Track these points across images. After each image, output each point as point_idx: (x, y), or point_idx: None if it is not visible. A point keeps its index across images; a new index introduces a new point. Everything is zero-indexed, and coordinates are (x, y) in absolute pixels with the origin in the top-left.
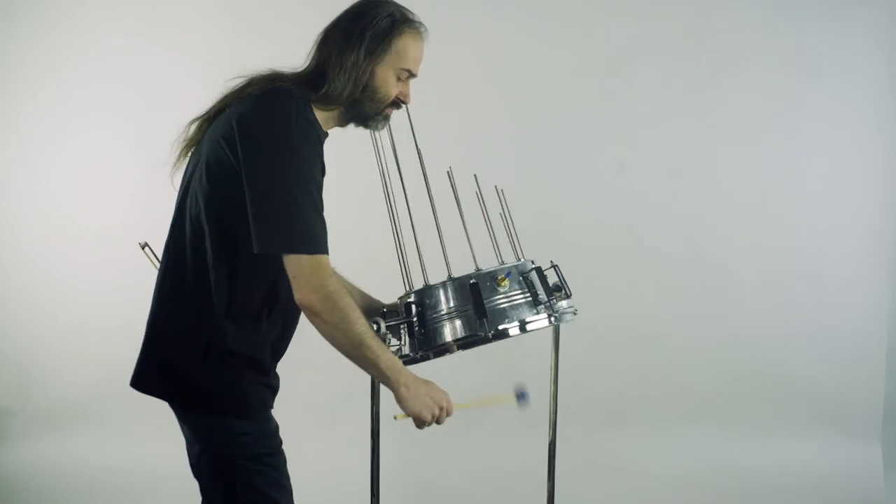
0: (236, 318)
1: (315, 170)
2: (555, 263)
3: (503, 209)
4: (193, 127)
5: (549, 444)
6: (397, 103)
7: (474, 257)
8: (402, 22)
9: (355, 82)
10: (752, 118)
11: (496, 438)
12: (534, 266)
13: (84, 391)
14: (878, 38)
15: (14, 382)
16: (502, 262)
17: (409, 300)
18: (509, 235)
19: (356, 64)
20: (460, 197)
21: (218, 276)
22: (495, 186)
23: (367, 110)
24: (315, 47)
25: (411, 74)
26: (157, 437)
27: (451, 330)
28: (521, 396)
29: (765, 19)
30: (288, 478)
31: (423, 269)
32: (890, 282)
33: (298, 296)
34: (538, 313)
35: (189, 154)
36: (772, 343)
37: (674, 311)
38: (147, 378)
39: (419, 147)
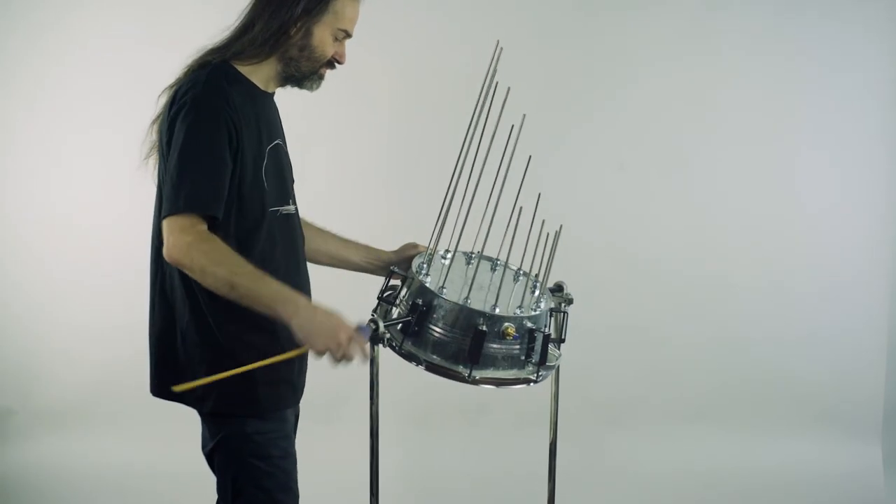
0: (221, 302)
1: (214, 135)
2: (565, 311)
3: (551, 248)
4: (153, 130)
5: (550, 444)
6: (332, 63)
7: (507, 253)
8: None
9: (286, 40)
10: (752, 119)
11: (496, 438)
12: (544, 332)
13: (84, 391)
14: (882, 39)
15: (14, 382)
16: (521, 274)
17: (417, 300)
18: (542, 267)
19: (291, 19)
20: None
21: None
22: (558, 228)
23: (304, 69)
24: (249, 5)
25: (347, 35)
26: (157, 436)
27: (441, 352)
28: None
29: (766, 18)
30: (296, 482)
31: (461, 228)
32: (890, 282)
33: (166, 251)
34: (522, 371)
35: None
36: (772, 343)
37: (674, 312)
38: (160, 385)
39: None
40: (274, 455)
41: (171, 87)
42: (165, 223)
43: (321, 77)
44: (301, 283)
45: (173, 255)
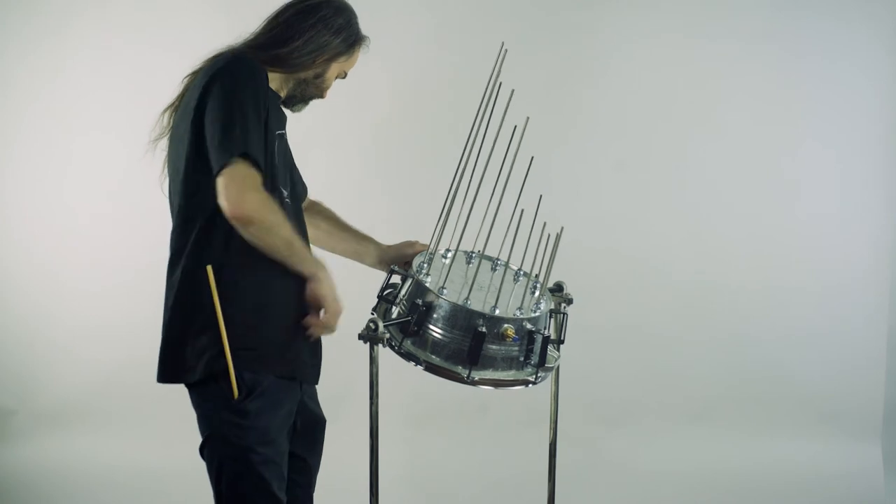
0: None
1: (259, 97)
2: (565, 312)
3: (551, 249)
4: (165, 116)
5: (550, 444)
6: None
7: (509, 254)
8: (362, 35)
9: (312, 65)
10: (752, 118)
11: (496, 438)
12: (544, 334)
13: (85, 390)
14: (883, 38)
15: (15, 382)
16: (520, 277)
17: (417, 300)
18: (542, 269)
19: (323, 53)
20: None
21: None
22: (559, 231)
23: (307, 94)
24: (283, 14)
25: (345, 76)
26: (157, 436)
27: (440, 352)
28: None
29: (766, 18)
30: (279, 488)
31: (462, 228)
32: (890, 283)
33: (231, 206)
34: (521, 373)
35: (162, 143)
36: (772, 343)
37: (674, 311)
38: (160, 367)
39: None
40: (254, 461)
41: (194, 72)
42: (226, 175)
43: (307, 104)
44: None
45: (245, 212)
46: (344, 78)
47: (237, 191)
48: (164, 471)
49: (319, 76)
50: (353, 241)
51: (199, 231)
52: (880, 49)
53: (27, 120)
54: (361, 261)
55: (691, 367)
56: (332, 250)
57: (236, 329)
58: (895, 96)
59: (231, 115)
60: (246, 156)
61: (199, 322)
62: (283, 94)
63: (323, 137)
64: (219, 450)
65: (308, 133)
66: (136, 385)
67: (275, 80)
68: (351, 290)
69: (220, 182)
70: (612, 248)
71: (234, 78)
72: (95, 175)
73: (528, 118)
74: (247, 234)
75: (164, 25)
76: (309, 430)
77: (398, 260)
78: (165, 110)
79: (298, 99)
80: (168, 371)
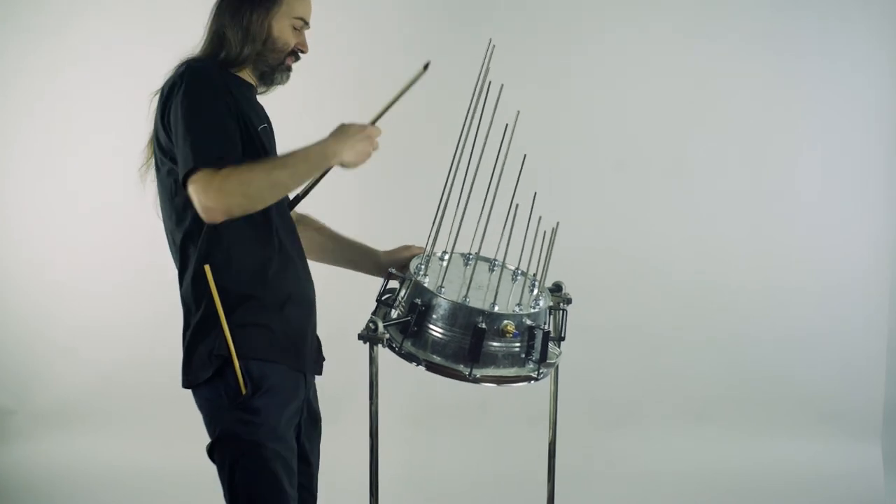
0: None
1: (210, 94)
2: (565, 308)
3: (548, 246)
4: (149, 148)
5: (549, 444)
6: (296, 53)
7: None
8: None
9: (254, 40)
10: (752, 118)
11: (496, 438)
12: (544, 329)
13: (85, 390)
14: (882, 38)
15: (15, 382)
16: (519, 275)
17: (416, 300)
18: (539, 266)
19: (251, 21)
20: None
21: (200, 239)
22: (555, 225)
23: (271, 62)
24: (209, 20)
25: (305, 23)
26: (157, 436)
27: (441, 351)
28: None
29: (766, 18)
30: (290, 484)
31: (457, 228)
32: (890, 282)
33: (206, 214)
34: (523, 369)
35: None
36: (772, 343)
37: (674, 311)
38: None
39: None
40: (265, 457)
41: (159, 90)
42: (189, 189)
43: (289, 68)
44: (300, 267)
45: (211, 216)
46: (307, 27)
47: (203, 197)
48: (164, 471)
49: (267, 40)
50: (349, 251)
51: (203, 236)
52: (880, 49)
53: (27, 120)
54: (358, 269)
55: (691, 367)
56: (329, 263)
57: (251, 317)
58: (895, 96)
59: (186, 126)
60: (198, 167)
61: (211, 322)
62: (254, 81)
63: (313, 140)
64: (230, 448)
65: (299, 136)
66: (136, 385)
67: (242, 73)
68: (350, 293)
69: (189, 194)
70: (612, 248)
71: (189, 86)
72: (95, 175)
73: (518, 112)
74: (238, 217)
75: (164, 25)
76: (313, 429)
77: (395, 264)
78: (148, 145)
79: (269, 72)
80: (186, 375)
